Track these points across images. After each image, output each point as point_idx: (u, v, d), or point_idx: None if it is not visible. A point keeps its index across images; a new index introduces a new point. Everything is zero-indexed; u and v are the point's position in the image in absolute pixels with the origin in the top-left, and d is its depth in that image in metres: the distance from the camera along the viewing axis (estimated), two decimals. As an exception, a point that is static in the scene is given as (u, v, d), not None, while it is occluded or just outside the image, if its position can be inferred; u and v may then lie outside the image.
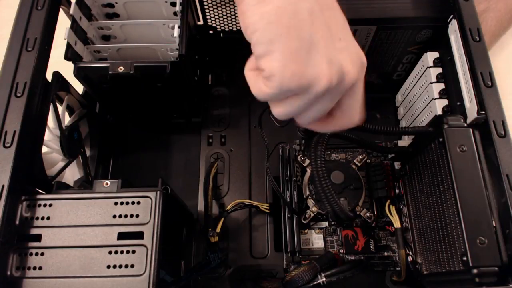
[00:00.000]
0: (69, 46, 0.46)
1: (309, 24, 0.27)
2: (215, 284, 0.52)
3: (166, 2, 0.51)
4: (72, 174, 0.53)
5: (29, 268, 0.34)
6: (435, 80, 0.49)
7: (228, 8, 0.57)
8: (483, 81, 0.41)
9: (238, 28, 0.59)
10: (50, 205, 0.36)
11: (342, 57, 0.28)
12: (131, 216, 0.36)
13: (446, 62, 0.49)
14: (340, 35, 0.29)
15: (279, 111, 0.30)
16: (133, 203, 0.37)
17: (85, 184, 0.53)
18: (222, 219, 0.52)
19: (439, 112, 0.48)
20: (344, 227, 0.52)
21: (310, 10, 0.27)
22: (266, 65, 0.28)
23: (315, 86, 0.28)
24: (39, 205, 0.36)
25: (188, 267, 0.53)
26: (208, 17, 0.59)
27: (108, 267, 0.35)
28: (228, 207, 0.53)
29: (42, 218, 0.36)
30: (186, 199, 0.52)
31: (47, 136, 0.46)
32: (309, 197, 0.50)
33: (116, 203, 0.37)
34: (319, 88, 0.28)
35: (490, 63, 0.41)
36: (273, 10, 0.27)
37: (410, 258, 0.47)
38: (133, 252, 0.35)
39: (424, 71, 0.51)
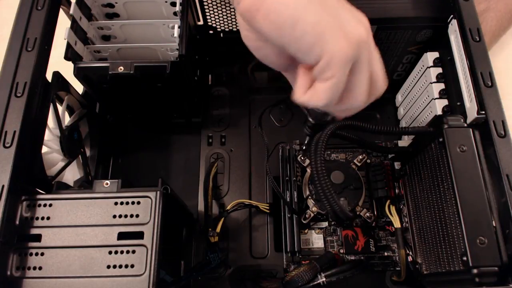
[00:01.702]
0: (69, 46, 0.46)
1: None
2: (215, 284, 0.52)
3: (166, 2, 0.51)
4: (72, 174, 0.53)
5: (29, 268, 0.34)
6: (435, 80, 0.49)
7: (228, 8, 0.57)
8: (483, 81, 0.41)
9: (238, 28, 0.59)
10: (50, 205, 0.36)
11: (358, 14, 0.31)
12: (131, 216, 0.36)
13: (446, 62, 0.49)
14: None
15: (326, 95, 0.31)
16: (133, 203, 0.37)
17: (85, 184, 0.53)
18: (222, 219, 0.52)
19: (439, 112, 0.48)
20: (344, 227, 0.52)
21: None
22: (321, 53, 0.28)
23: (364, 44, 0.29)
24: (39, 205, 0.36)
25: (188, 267, 0.53)
26: (208, 17, 0.59)
27: (108, 267, 0.34)
28: (228, 207, 0.53)
29: (42, 218, 0.36)
30: (186, 199, 0.52)
31: (47, 136, 0.46)
32: (309, 197, 0.50)
33: (116, 203, 0.37)
34: (367, 44, 0.30)
35: (490, 63, 0.41)
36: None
37: (410, 258, 0.47)
38: (133, 252, 0.35)
39: (424, 71, 0.51)
